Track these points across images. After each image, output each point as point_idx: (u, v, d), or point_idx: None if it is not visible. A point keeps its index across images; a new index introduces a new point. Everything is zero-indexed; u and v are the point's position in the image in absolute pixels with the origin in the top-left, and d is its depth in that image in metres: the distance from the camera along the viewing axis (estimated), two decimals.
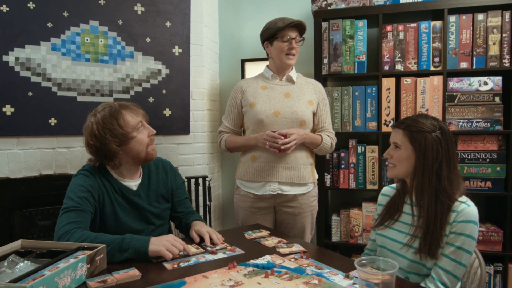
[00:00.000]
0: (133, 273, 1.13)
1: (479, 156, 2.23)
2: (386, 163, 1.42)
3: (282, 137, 1.80)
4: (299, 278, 1.09)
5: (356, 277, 1.09)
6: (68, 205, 1.36)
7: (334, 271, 1.14)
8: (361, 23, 2.35)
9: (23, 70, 2.12)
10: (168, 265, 1.21)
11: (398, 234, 1.34)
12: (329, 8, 2.40)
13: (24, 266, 1.09)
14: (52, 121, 2.20)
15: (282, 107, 1.92)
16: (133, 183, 1.54)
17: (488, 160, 2.22)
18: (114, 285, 1.07)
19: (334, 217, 2.48)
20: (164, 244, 1.25)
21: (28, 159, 2.14)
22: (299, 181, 1.94)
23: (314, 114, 2.00)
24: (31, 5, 2.12)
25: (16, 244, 1.24)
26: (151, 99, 2.49)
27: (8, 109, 2.08)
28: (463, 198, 1.27)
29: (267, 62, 2.57)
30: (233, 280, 1.08)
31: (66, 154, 2.26)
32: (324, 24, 2.38)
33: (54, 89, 2.21)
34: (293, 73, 2.02)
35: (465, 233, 1.20)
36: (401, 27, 2.30)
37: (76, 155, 2.28)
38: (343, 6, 2.38)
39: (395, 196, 1.44)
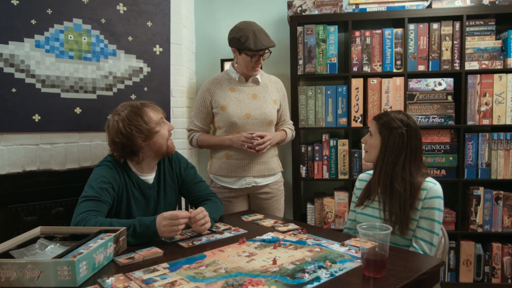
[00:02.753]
0: (155, 250, 1.25)
1: (435, 148, 2.54)
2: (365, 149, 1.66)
3: (259, 139, 1.97)
4: (303, 248, 1.27)
5: (350, 245, 1.29)
6: (88, 193, 1.45)
7: (330, 241, 1.33)
8: (333, 29, 2.57)
9: (7, 67, 2.12)
10: (183, 244, 1.34)
11: (375, 211, 1.57)
12: (303, 14, 2.60)
13: (54, 248, 1.17)
14: (36, 117, 2.22)
15: (252, 109, 2.07)
16: (150, 177, 1.64)
17: (442, 151, 2.53)
18: (141, 260, 1.19)
19: (309, 205, 2.69)
20: (163, 231, 1.33)
21: (12, 155, 2.14)
22: (270, 172, 2.15)
23: (278, 110, 2.18)
24: (14, 1, 2.13)
25: (36, 231, 1.31)
26: (133, 96, 2.56)
27: None
28: (429, 178, 1.52)
29: None
30: (247, 252, 1.24)
31: (50, 150, 2.27)
32: (299, 29, 2.58)
33: (38, 85, 2.22)
34: (258, 75, 2.12)
35: (435, 207, 1.44)
36: (367, 33, 2.56)
37: (60, 151, 2.31)
38: (316, 12, 2.59)
39: (371, 179, 1.66)
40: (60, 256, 1.05)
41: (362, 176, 1.76)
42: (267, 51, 2.01)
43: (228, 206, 2.14)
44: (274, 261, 1.13)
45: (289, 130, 2.26)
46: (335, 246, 1.28)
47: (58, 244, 1.19)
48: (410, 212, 1.46)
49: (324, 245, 1.30)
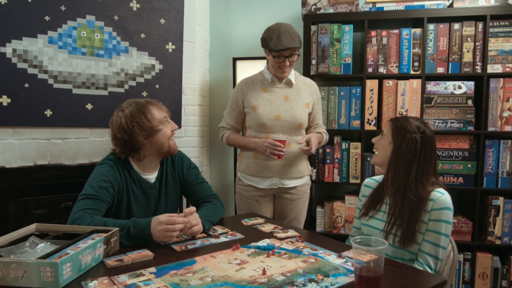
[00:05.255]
0: (146, 253, 1.23)
1: (452, 154, 2.42)
2: (374, 151, 1.58)
3: (282, 145, 1.93)
4: (297, 258, 1.22)
5: (348, 257, 1.23)
6: (87, 192, 1.45)
7: (328, 252, 1.27)
8: (348, 28, 2.49)
9: (20, 62, 2.15)
10: (176, 247, 1.31)
11: (380, 223, 1.49)
12: (318, 12, 2.53)
13: (44, 246, 1.17)
14: (48, 112, 2.24)
15: (282, 111, 2.04)
16: (152, 176, 1.63)
17: (460, 157, 2.42)
18: (130, 263, 1.17)
19: (318, 209, 2.63)
20: (157, 235, 1.31)
21: (24, 149, 2.18)
22: (297, 175, 2.12)
23: (309, 114, 2.14)
24: None
25: (31, 228, 1.31)
26: (144, 93, 2.56)
27: (5, 100, 2.11)
28: (438, 188, 1.41)
29: (258, 62, 2.70)
30: (238, 259, 1.20)
31: (61, 145, 2.30)
32: (313, 27, 2.51)
33: (50, 81, 2.25)
34: (291, 76, 2.10)
35: (442, 219, 1.36)
36: (384, 32, 2.46)
37: (71, 146, 2.33)
38: (331, 11, 2.52)
39: (379, 187, 1.57)
40: (46, 256, 1.04)
41: (367, 181, 1.67)
42: (293, 53, 1.97)
43: (254, 205, 2.14)
44: (264, 272, 1.09)
45: (325, 134, 2.22)
46: (332, 257, 1.23)
47: (49, 243, 1.19)
48: (416, 225, 1.37)
49: (320, 255, 1.24)
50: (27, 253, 1.13)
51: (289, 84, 2.09)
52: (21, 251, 1.13)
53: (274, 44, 1.94)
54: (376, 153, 1.55)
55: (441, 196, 1.38)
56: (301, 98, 2.08)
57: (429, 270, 1.35)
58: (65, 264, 1.00)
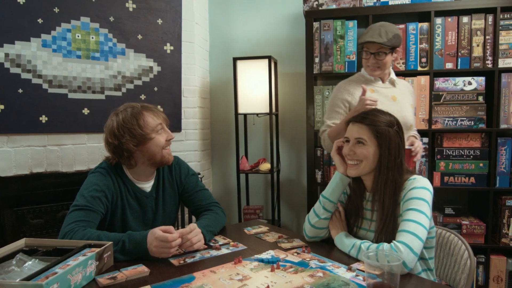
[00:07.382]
0: (142, 269, 1.15)
1: (463, 153, 2.33)
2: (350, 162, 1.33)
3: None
4: (304, 272, 1.13)
5: (359, 269, 1.14)
6: (79, 202, 1.37)
7: (336, 264, 1.19)
8: (352, 24, 2.40)
9: (13, 67, 2.09)
10: (174, 261, 1.23)
11: (367, 233, 1.35)
12: (320, 8, 2.45)
13: (32, 264, 1.09)
14: (43, 118, 2.18)
15: (393, 112, 1.81)
16: (147, 185, 1.54)
17: (471, 156, 2.32)
18: (123, 281, 1.09)
19: None
20: (154, 251, 1.23)
21: (19, 157, 2.11)
22: None
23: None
24: (20, 0, 2.09)
25: (20, 243, 1.24)
26: (143, 97, 2.49)
27: None
28: (412, 176, 1.29)
29: (259, 61, 2.61)
30: (240, 274, 1.12)
31: (58, 152, 2.23)
32: (316, 24, 2.43)
33: (45, 86, 2.19)
34: (393, 76, 1.97)
35: (412, 196, 1.21)
36: None
37: (68, 152, 2.26)
38: (334, 6, 2.43)
39: (351, 196, 1.41)
40: (32, 276, 0.96)
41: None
42: (380, 50, 1.82)
43: None
44: None
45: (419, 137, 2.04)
46: (341, 271, 1.14)
47: (37, 260, 1.11)
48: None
49: (328, 268, 1.15)
50: (13, 272, 1.05)
51: (393, 83, 1.96)
52: (7, 270, 1.05)
53: (362, 37, 1.85)
54: (356, 163, 1.31)
55: (413, 181, 1.25)
56: (406, 98, 1.96)
57: (408, 251, 1.12)
58: (51, 285, 0.92)
